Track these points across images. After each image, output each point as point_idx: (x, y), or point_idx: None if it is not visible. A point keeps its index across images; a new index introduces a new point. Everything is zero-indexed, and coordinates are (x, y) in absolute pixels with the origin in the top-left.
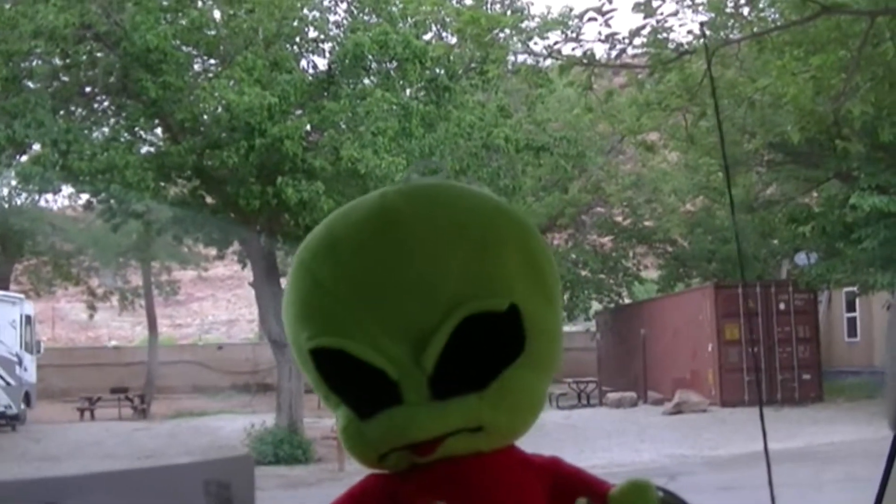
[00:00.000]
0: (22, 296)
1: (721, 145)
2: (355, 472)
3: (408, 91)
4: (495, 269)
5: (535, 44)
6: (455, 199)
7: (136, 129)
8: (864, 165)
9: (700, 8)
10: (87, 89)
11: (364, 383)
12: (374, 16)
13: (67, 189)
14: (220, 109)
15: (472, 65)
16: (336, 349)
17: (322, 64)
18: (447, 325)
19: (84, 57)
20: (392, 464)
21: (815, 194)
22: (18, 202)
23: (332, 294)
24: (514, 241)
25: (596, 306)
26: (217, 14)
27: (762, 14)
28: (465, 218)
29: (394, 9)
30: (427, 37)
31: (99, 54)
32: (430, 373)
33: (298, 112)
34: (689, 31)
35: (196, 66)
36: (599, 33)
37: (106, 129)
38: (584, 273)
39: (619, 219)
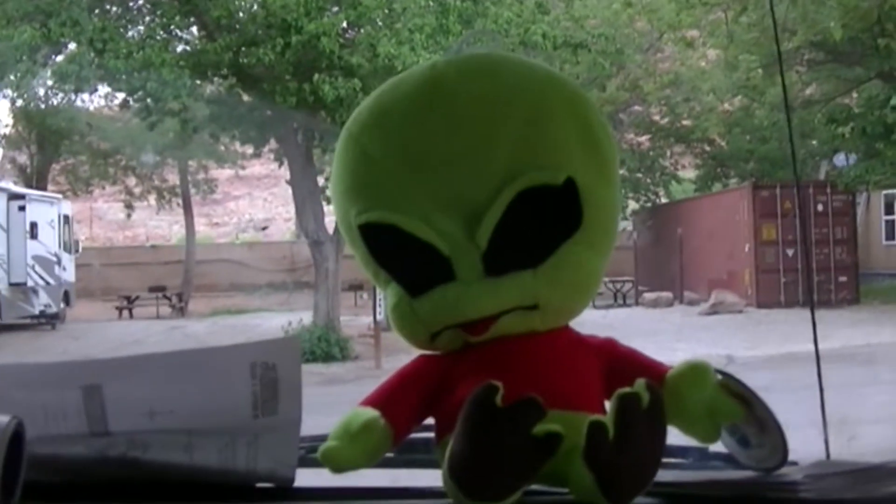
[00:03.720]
0: (60, 196)
1: (775, 34)
2: (392, 369)
3: None
4: (548, 140)
5: None
6: (506, 68)
7: (172, 27)
8: None
9: None
10: None
11: (415, 259)
12: None
13: (104, 88)
14: (255, 6)
15: None
16: (386, 224)
17: None
18: (501, 199)
19: None
20: (443, 343)
21: (855, 94)
22: (55, 102)
23: (382, 166)
24: (567, 111)
25: (633, 205)
26: None
27: None
28: (515, 87)
29: None
30: None
31: None
32: (484, 248)
33: (335, 9)
34: None
35: None
36: None
37: (141, 28)
38: (621, 172)
39: (657, 118)
